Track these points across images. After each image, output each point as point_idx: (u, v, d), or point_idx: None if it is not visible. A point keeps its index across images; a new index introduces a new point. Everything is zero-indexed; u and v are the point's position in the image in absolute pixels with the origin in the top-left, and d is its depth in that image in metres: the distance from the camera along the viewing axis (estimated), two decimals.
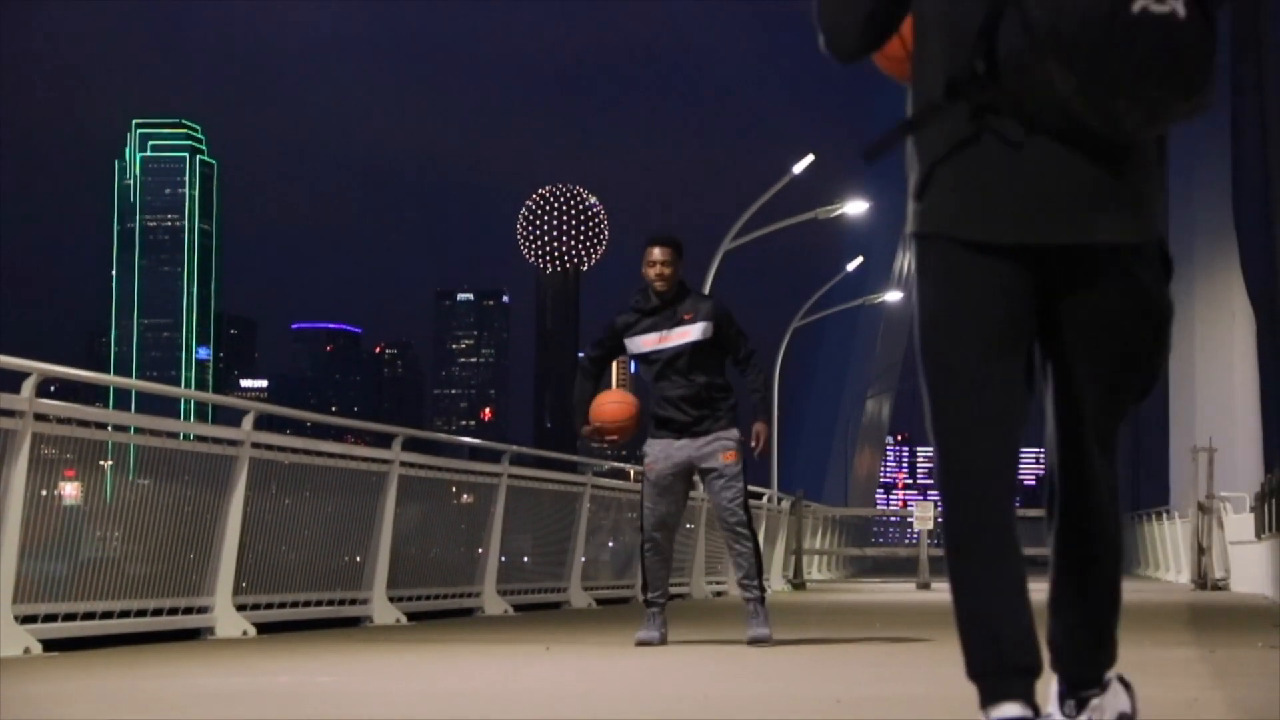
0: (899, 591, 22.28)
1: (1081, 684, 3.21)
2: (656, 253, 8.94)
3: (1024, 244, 3.03)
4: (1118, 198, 3.04)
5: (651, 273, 8.92)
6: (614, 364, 9.39)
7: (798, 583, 24.29)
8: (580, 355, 9.31)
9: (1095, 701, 3.21)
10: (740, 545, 8.96)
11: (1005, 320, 3.08)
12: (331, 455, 11.24)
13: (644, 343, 8.93)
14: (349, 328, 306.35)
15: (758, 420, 9.12)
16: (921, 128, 3.12)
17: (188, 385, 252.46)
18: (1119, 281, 3.07)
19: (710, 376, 8.90)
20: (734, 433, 8.95)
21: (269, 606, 10.36)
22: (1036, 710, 3.04)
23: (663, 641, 8.88)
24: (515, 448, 14.38)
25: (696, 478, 9.15)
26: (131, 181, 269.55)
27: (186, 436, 9.75)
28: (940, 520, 3.21)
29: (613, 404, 8.97)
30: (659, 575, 9.08)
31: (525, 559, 14.80)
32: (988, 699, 3.03)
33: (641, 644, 8.77)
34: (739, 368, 9.08)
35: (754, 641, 8.87)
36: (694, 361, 8.86)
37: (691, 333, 8.86)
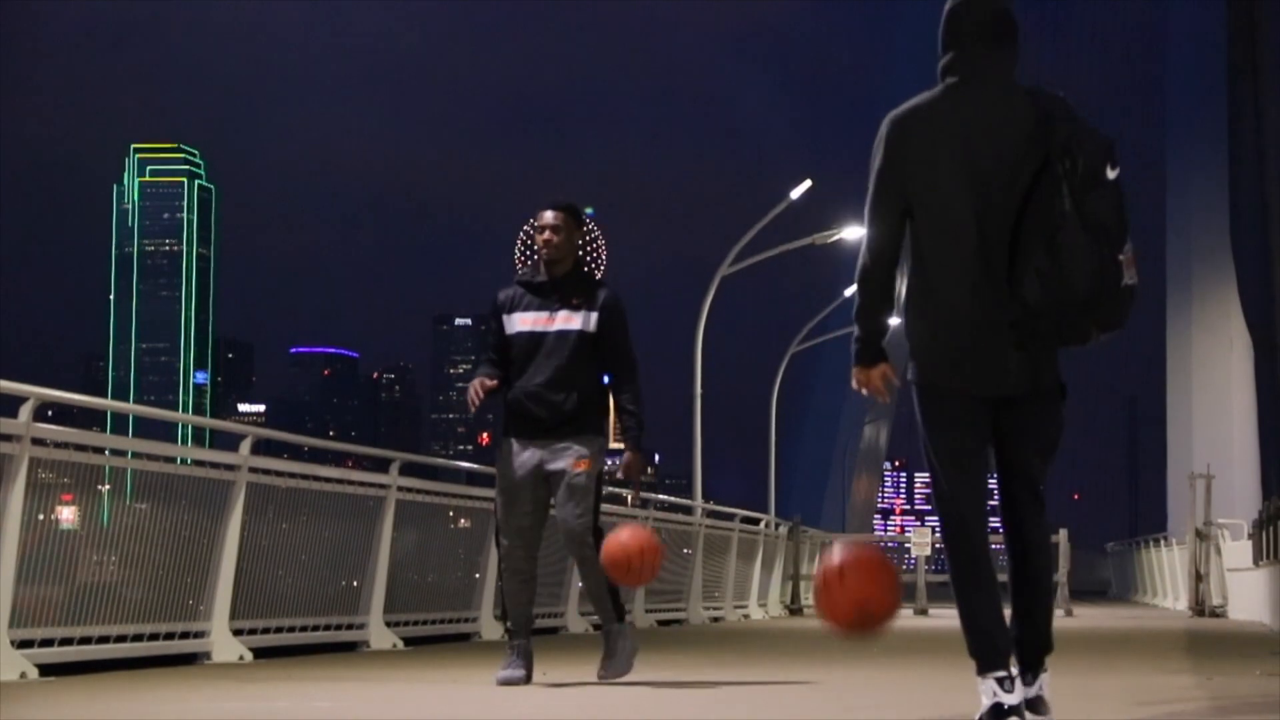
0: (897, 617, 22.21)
1: (1031, 665, 5.03)
2: (548, 216, 7.84)
3: (986, 395, 5.06)
4: (1039, 363, 5.03)
5: (540, 239, 7.83)
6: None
7: (794, 608, 24.26)
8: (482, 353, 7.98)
9: (1044, 676, 5.05)
10: (586, 568, 7.79)
11: (974, 436, 5.09)
12: (329, 480, 11.23)
13: (522, 320, 7.79)
14: (347, 352, 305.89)
15: (627, 451, 7.88)
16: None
17: (185, 409, 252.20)
18: (1037, 405, 5.09)
19: (586, 379, 7.76)
20: (598, 442, 7.78)
21: (266, 631, 10.34)
22: (1011, 676, 4.95)
23: (528, 680, 7.70)
24: None
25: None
26: (129, 206, 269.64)
27: (184, 461, 9.75)
28: (944, 558, 5.15)
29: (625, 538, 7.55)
30: (519, 599, 7.83)
31: None
32: (984, 669, 4.94)
33: (505, 684, 7.61)
34: (613, 378, 7.85)
35: (604, 679, 7.78)
36: (574, 356, 7.71)
37: (577, 320, 7.75)
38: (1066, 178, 4.83)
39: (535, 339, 7.75)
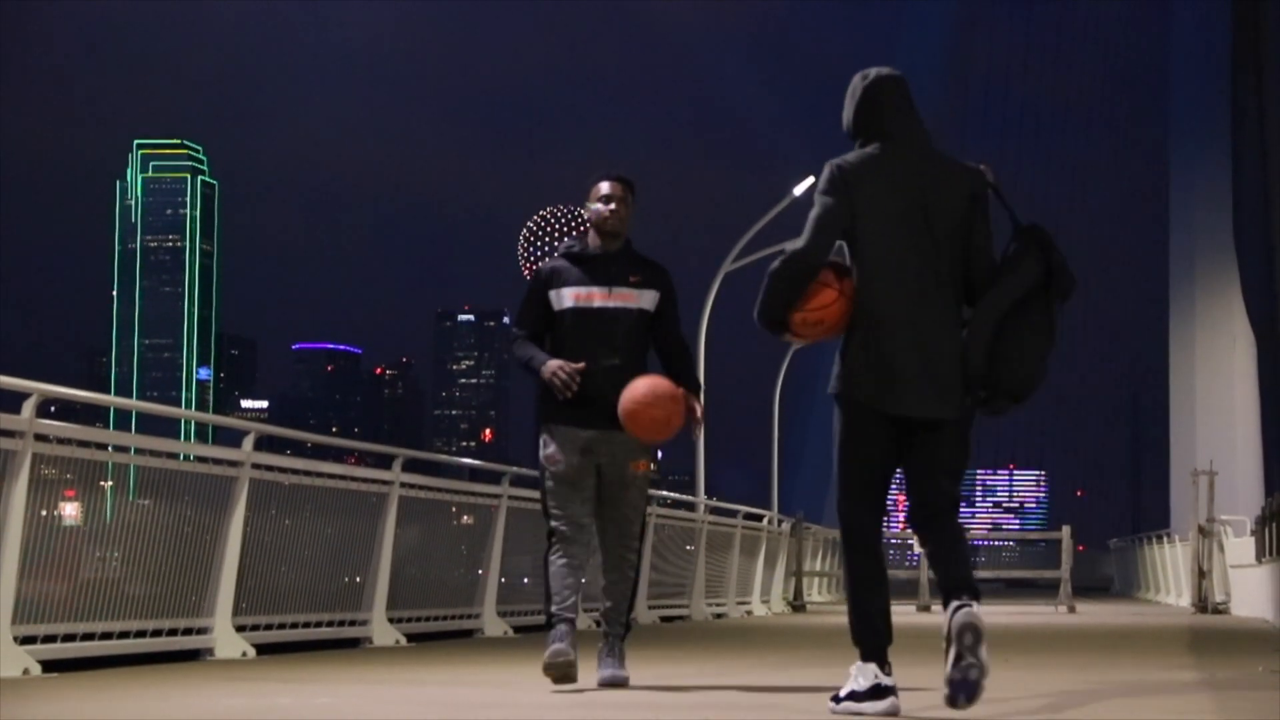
0: (899, 613, 22.06)
1: (955, 594, 5.61)
2: (606, 186, 7.27)
3: (911, 415, 5.73)
4: (954, 394, 5.71)
5: (605, 210, 7.23)
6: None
7: (798, 605, 24.27)
8: (513, 329, 7.38)
9: (971, 607, 5.56)
10: (625, 569, 7.31)
11: (885, 452, 5.79)
12: (332, 476, 11.24)
13: (576, 296, 7.20)
14: (349, 348, 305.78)
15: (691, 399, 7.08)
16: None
17: (188, 406, 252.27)
18: (952, 428, 5.77)
19: (640, 361, 7.23)
20: None
21: (269, 627, 10.35)
22: (889, 664, 5.81)
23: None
24: (515, 469, 14.36)
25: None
26: (133, 202, 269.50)
27: (187, 457, 9.76)
28: (840, 562, 6.11)
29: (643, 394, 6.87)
30: (569, 583, 7.26)
31: (525, 580, 14.77)
32: (868, 658, 5.77)
33: (555, 678, 7.24)
34: (670, 356, 7.30)
35: (608, 684, 7.29)
36: (631, 336, 7.18)
37: (637, 299, 7.23)
38: (1051, 291, 5.71)
39: (592, 315, 7.17)
